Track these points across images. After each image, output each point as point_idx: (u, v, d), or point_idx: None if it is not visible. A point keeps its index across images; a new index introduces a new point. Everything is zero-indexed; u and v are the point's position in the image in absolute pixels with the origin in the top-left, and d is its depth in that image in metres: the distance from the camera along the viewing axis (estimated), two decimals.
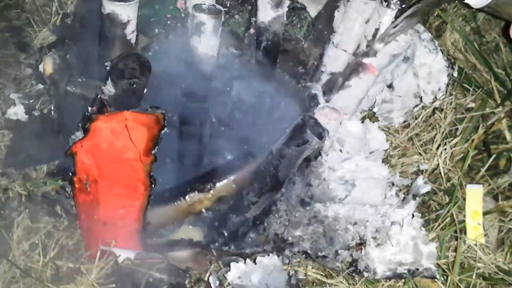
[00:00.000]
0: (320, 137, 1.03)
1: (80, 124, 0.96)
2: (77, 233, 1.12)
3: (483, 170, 1.31)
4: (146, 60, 0.99)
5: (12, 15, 1.41)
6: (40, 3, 1.40)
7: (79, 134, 0.94)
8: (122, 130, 0.92)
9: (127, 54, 0.99)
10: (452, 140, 1.31)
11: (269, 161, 1.08)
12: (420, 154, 1.31)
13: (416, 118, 1.37)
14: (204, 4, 1.13)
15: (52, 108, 1.15)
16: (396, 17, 1.26)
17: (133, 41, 1.12)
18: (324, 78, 1.33)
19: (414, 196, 1.21)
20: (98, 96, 0.95)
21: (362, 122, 1.28)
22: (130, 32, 1.10)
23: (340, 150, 1.22)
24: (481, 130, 1.33)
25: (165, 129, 0.95)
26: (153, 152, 0.96)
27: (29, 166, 1.16)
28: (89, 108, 0.94)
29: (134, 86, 0.97)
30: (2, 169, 1.15)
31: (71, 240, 1.12)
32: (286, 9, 1.23)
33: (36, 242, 1.09)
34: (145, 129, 0.93)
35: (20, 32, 1.37)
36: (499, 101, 1.42)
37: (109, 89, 0.98)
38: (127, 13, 1.07)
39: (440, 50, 1.36)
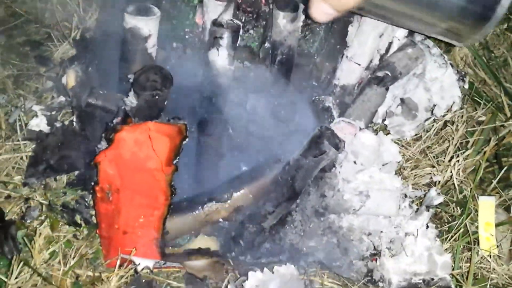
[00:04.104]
0: (337, 148, 1.05)
1: (103, 135, 0.98)
2: (96, 242, 1.14)
3: (494, 182, 1.32)
4: (168, 73, 1.02)
5: (32, 30, 1.44)
6: (60, 18, 1.43)
7: (103, 144, 0.96)
8: (146, 140, 0.95)
9: (150, 66, 1.02)
10: (464, 152, 1.33)
11: (286, 172, 1.10)
12: (433, 166, 1.33)
13: (427, 131, 1.39)
14: (223, 18, 1.16)
15: (74, 119, 1.17)
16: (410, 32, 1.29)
17: (154, 54, 1.15)
18: (338, 91, 1.36)
19: (427, 208, 1.23)
20: (122, 107, 0.97)
21: (375, 134, 1.30)
22: (151, 46, 1.13)
23: (354, 162, 1.24)
24: (492, 143, 1.35)
25: (187, 139, 0.98)
26: (174, 162, 0.98)
27: (50, 176, 1.18)
28: (114, 119, 0.97)
29: (156, 97, 1.00)
30: (24, 179, 1.17)
31: (91, 249, 1.13)
32: (301, 23, 1.26)
33: (57, 250, 1.10)
34: (167, 140, 0.96)
35: (40, 46, 1.40)
36: (509, 114, 1.44)
37: (132, 100, 1.01)
38: (149, 28, 1.10)
39: (450, 64, 1.38)
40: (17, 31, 1.42)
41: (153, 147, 0.95)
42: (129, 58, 1.14)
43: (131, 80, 1.00)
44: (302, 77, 1.39)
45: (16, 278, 1.03)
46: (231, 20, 1.17)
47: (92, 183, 1.03)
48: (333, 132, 1.05)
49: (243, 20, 1.34)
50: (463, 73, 1.35)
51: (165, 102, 1.03)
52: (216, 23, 1.16)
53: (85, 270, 1.10)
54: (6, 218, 1.12)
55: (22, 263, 1.02)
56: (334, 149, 1.03)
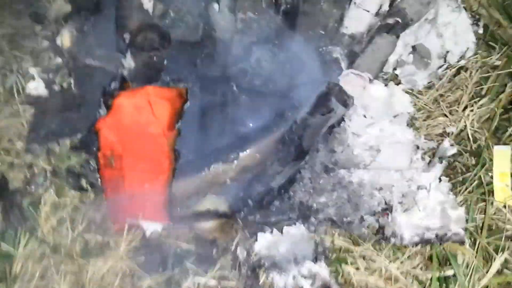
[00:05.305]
0: (345, 104, 1.01)
1: (102, 101, 0.95)
2: (104, 206, 1.12)
3: (510, 130, 1.28)
4: (165, 31, 0.97)
5: None
6: None
7: (102, 110, 0.93)
8: (145, 105, 0.91)
9: (146, 25, 0.97)
10: (479, 100, 1.28)
11: (294, 131, 1.07)
12: (446, 116, 1.29)
13: (440, 79, 1.34)
14: None
15: (72, 82, 1.13)
16: None
17: (150, 10, 1.10)
18: (346, 40, 1.30)
19: (441, 159, 1.19)
20: (119, 72, 0.93)
21: (386, 85, 1.25)
22: (148, 1, 1.08)
23: (364, 116, 1.20)
24: (508, 89, 1.30)
25: (188, 103, 0.94)
26: (176, 126, 0.95)
27: (52, 141, 1.15)
28: (111, 83, 0.93)
29: (155, 58, 0.96)
30: (26, 145, 1.15)
31: (98, 213, 1.12)
32: None
33: (64, 216, 1.09)
34: (168, 104, 0.92)
35: (34, 2, 1.34)
36: None
37: (129, 62, 0.97)
38: None
39: (463, 7, 1.31)
40: None
41: (153, 112, 0.92)
42: (125, 14, 1.09)
43: (127, 41, 0.96)
44: (308, 26, 1.33)
45: (24, 247, 1.02)
46: None
47: (95, 149, 1.01)
48: (341, 88, 1.01)
49: None
50: (477, 17, 1.28)
51: (164, 63, 0.98)
52: None
53: (94, 235, 1.09)
54: (11, 187, 1.11)
55: (28, 233, 1.02)
56: (342, 106, 0.99)
